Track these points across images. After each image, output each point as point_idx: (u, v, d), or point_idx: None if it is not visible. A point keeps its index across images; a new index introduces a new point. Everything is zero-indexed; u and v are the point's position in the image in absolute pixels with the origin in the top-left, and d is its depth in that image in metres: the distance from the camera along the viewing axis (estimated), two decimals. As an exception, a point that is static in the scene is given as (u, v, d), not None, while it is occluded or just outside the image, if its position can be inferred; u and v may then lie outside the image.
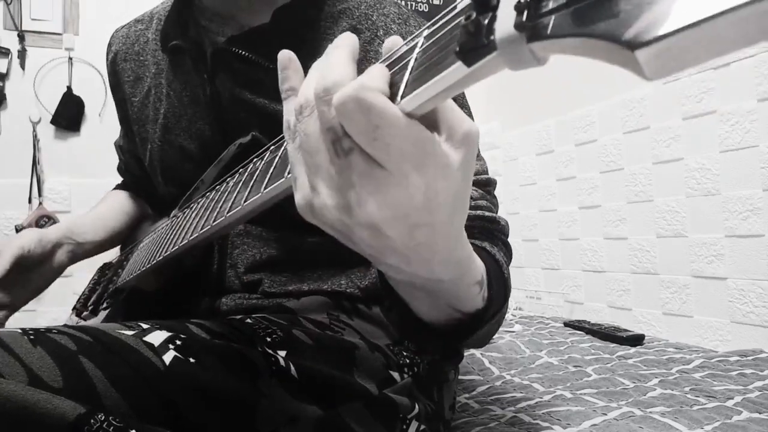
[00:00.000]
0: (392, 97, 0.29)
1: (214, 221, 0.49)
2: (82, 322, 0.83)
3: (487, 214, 0.58)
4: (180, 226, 0.63)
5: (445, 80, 0.26)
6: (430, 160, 0.30)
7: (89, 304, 0.87)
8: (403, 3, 2.50)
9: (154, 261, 0.66)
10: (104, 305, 0.81)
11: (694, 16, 0.17)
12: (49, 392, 0.37)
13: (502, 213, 0.63)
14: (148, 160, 0.81)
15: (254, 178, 0.45)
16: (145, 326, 0.47)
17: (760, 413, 0.81)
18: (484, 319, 0.47)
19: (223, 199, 0.51)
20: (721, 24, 0.16)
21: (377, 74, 0.30)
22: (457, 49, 0.25)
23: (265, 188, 0.40)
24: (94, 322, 0.81)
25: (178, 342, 0.46)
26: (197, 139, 0.74)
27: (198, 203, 0.61)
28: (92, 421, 0.37)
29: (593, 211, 1.86)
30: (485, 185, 0.62)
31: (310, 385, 0.51)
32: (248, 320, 0.56)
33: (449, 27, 0.28)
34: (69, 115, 2.01)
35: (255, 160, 0.49)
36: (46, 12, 2.00)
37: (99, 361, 0.41)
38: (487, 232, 0.58)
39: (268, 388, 0.48)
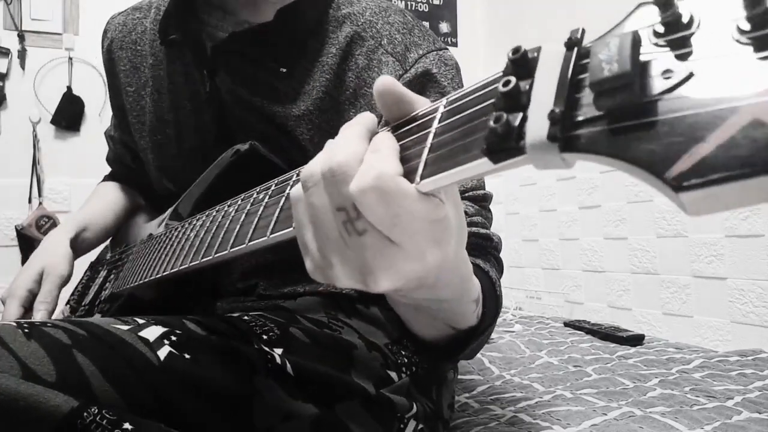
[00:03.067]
0: (408, 173, 0.29)
1: (216, 253, 0.49)
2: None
3: (481, 231, 0.58)
4: (179, 244, 0.62)
5: (469, 171, 0.26)
6: (445, 234, 0.31)
7: (84, 303, 0.86)
8: (404, 5, 2.50)
9: (152, 278, 0.66)
10: (100, 308, 0.81)
11: (740, 166, 0.18)
12: (43, 386, 0.37)
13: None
14: (144, 152, 0.80)
15: (259, 214, 0.44)
16: (140, 321, 0.47)
17: (760, 413, 0.81)
18: (476, 335, 0.48)
19: (225, 229, 0.50)
20: (759, 183, 0.18)
21: (390, 155, 0.30)
22: (485, 146, 0.25)
23: (271, 233, 0.40)
24: None
25: (174, 338, 0.46)
26: (195, 134, 0.74)
27: (197, 222, 0.60)
28: (85, 414, 0.38)
29: (593, 211, 1.86)
30: (481, 200, 0.63)
31: (307, 384, 0.51)
32: (245, 317, 0.56)
33: (474, 109, 0.28)
34: (69, 115, 2.00)
35: (259, 190, 0.48)
36: (46, 12, 2.00)
37: (93, 355, 0.41)
38: (481, 248, 0.59)
39: (264, 386, 0.48)
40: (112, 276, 0.85)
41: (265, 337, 0.53)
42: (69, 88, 2.01)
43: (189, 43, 0.72)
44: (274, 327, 0.55)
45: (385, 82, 0.32)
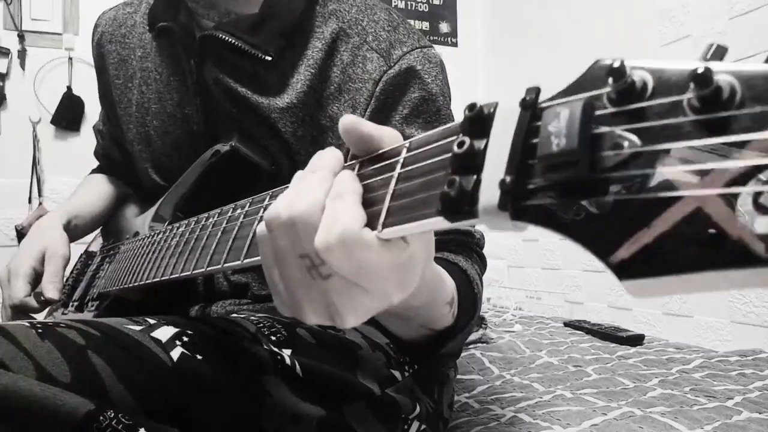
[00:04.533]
0: (371, 218, 0.30)
1: (194, 269, 0.50)
2: (69, 314, 0.83)
3: (462, 227, 0.58)
4: (161, 252, 0.62)
5: (428, 226, 0.27)
6: (411, 274, 0.31)
7: (75, 297, 0.86)
8: (404, 5, 2.50)
9: (135, 284, 0.66)
10: (89, 306, 0.81)
11: (681, 260, 0.18)
12: (58, 387, 0.37)
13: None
14: (131, 144, 0.80)
15: (234, 234, 0.45)
16: (152, 321, 0.47)
17: (760, 413, 0.81)
18: (453, 335, 0.49)
19: (203, 244, 0.50)
20: (702, 277, 0.18)
21: (353, 203, 0.30)
22: (440, 207, 0.26)
23: (244, 258, 0.41)
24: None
25: (185, 338, 0.46)
26: (180, 125, 0.74)
27: (178, 231, 0.60)
28: (101, 418, 0.37)
29: (593, 211, 1.86)
30: None
31: (315, 385, 0.51)
32: (252, 318, 0.56)
33: (434, 161, 0.28)
34: (69, 115, 2.01)
35: (236, 206, 0.49)
36: (46, 12, 2.00)
37: (107, 356, 0.41)
38: (463, 245, 0.59)
39: (274, 387, 0.48)
40: (101, 272, 0.85)
41: (273, 338, 0.53)
42: (69, 88, 2.01)
43: (178, 32, 0.71)
44: (282, 328, 0.55)
45: (349, 121, 0.33)
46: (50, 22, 2.01)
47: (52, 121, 2.00)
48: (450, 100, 0.69)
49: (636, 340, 1.37)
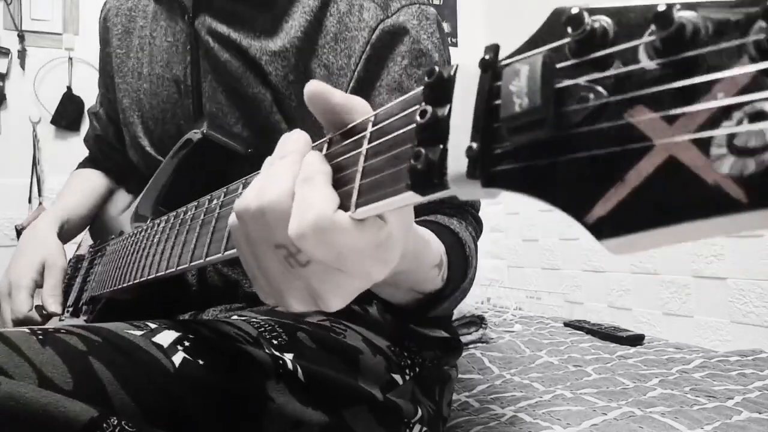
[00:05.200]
0: (343, 198, 0.29)
1: (178, 265, 0.50)
2: (65, 320, 0.83)
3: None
4: (144, 250, 0.62)
5: (400, 202, 0.26)
6: (390, 252, 0.31)
7: (68, 303, 0.85)
8: None
9: (123, 285, 0.65)
10: (83, 310, 0.81)
11: (656, 213, 0.17)
12: (60, 394, 0.37)
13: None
14: (125, 113, 0.80)
15: (212, 226, 0.44)
16: (152, 326, 0.47)
17: (760, 413, 0.81)
18: (443, 296, 0.49)
19: (183, 239, 0.50)
20: (683, 228, 0.17)
21: (323, 185, 0.29)
22: (409, 182, 0.25)
23: (225, 250, 0.40)
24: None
25: (187, 343, 0.45)
26: (168, 86, 0.74)
27: (159, 227, 0.60)
28: (105, 425, 0.37)
29: (593, 211, 1.86)
30: None
31: (316, 389, 0.50)
32: (252, 321, 0.56)
33: (398, 133, 0.27)
34: (69, 115, 2.00)
35: (211, 197, 0.49)
36: (46, 12, 2.00)
37: (109, 362, 0.41)
38: (456, 207, 0.59)
39: (276, 392, 0.48)
40: (91, 275, 0.85)
41: (275, 342, 0.52)
42: (69, 88, 2.01)
43: None
44: (282, 332, 0.54)
45: (315, 88, 0.31)
46: (50, 22, 2.01)
47: (52, 121, 2.00)
48: (448, 60, 0.68)
49: (636, 340, 1.37)
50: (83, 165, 1.00)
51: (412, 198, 0.25)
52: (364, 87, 0.63)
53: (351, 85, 0.63)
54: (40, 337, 0.41)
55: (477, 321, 1.41)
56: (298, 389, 0.49)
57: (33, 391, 0.36)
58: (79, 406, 0.37)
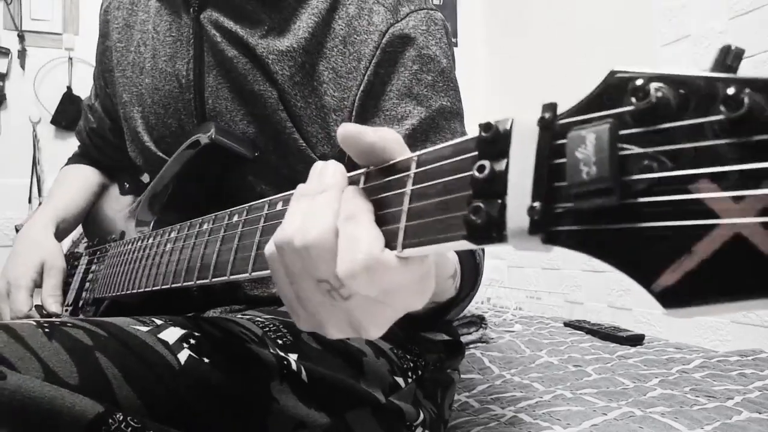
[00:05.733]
0: (388, 236, 0.29)
1: (197, 279, 0.49)
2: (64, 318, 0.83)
3: None
4: (155, 259, 0.61)
5: (450, 247, 0.27)
6: (428, 283, 0.31)
7: (67, 302, 0.85)
8: None
9: (133, 291, 0.65)
10: (84, 309, 0.80)
11: (724, 288, 0.18)
12: (66, 388, 0.37)
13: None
14: (125, 107, 0.79)
15: (236, 244, 0.44)
16: (158, 322, 0.47)
17: (760, 413, 0.81)
18: (455, 304, 0.50)
19: (202, 253, 0.49)
20: (747, 303, 0.18)
21: (368, 223, 0.29)
22: (466, 233, 0.25)
23: (252, 270, 0.40)
24: None
25: (192, 341, 0.45)
26: (171, 81, 0.73)
27: (171, 236, 0.59)
28: (110, 420, 0.37)
29: (593, 211, 1.86)
30: None
31: (320, 391, 0.50)
32: (257, 320, 0.55)
33: (449, 179, 0.27)
34: (69, 115, 2.00)
35: (231, 212, 0.48)
36: (46, 12, 2.00)
37: (115, 357, 0.41)
38: None
39: (280, 393, 0.47)
40: (90, 275, 0.84)
41: (280, 341, 0.52)
42: (69, 88, 2.01)
43: None
44: (287, 332, 0.54)
45: (348, 131, 0.31)
46: (50, 22, 2.01)
47: (52, 121, 2.00)
48: (454, 65, 0.68)
49: (636, 340, 1.36)
50: (73, 160, 0.99)
51: (465, 245, 0.26)
52: (375, 91, 0.63)
53: (361, 88, 0.63)
54: (47, 330, 0.40)
55: (477, 321, 1.41)
56: (302, 390, 0.49)
57: (40, 385, 0.36)
58: (85, 402, 0.37)
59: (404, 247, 0.28)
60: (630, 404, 0.85)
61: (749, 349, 1.25)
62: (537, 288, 2.13)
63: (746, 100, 0.18)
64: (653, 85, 0.20)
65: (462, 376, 1.07)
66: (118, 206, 0.88)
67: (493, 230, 0.24)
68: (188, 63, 0.71)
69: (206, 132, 0.66)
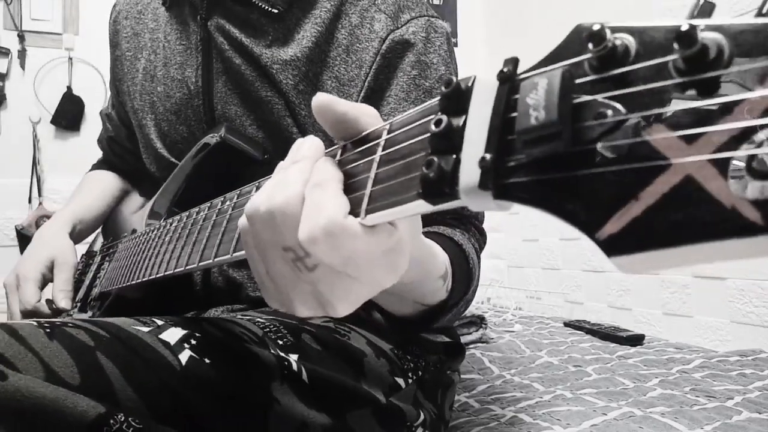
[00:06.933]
0: (354, 204, 0.29)
1: (187, 265, 0.50)
2: (73, 315, 0.83)
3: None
4: (156, 248, 0.62)
5: (410, 210, 0.26)
6: (400, 257, 0.31)
7: (77, 300, 0.86)
8: None
9: (134, 281, 0.66)
10: (91, 305, 0.81)
11: (670, 233, 0.17)
12: (67, 389, 0.37)
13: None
14: (137, 115, 0.80)
15: (223, 227, 0.44)
16: (159, 322, 0.47)
17: (760, 413, 0.81)
18: (447, 308, 0.49)
19: (194, 239, 0.50)
20: (695, 249, 0.17)
21: (334, 190, 0.29)
22: (420, 190, 0.25)
23: (233, 251, 0.40)
24: None
25: (193, 341, 0.45)
26: (181, 88, 0.74)
27: (171, 226, 0.61)
28: (112, 421, 0.37)
29: (593, 211, 1.86)
30: None
31: (320, 392, 0.50)
32: (258, 320, 0.55)
33: (412, 142, 0.27)
34: (69, 115, 2.00)
35: (224, 198, 0.49)
36: (46, 12, 2.00)
37: (116, 357, 0.41)
38: (460, 218, 0.59)
39: (281, 394, 0.47)
40: (101, 272, 0.85)
41: (280, 342, 0.52)
42: (69, 88, 2.01)
43: None
44: (287, 333, 0.54)
45: (321, 100, 0.32)
46: (50, 22, 2.00)
47: (52, 121, 2.00)
48: (455, 72, 0.68)
49: (636, 340, 1.36)
50: (97, 166, 1.01)
51: (422, 206, 0.25)
52: (374, 97, 0.64)
53: (361, 95, 0.64)
54: (48, 330, 0.40)
55: (477, 321, 1.41)
56: (302, 391, 0.49)
57: (41, 385, 0.36)
58: (86, 402, 0.37)
59: (367, 212, 0.28)
60: (630, 404, 0.85)
61: (749, 349, 1.25)
62: (537, 288, 2.13)
63: (700, 36, 0.17)
64: (610, 32, 0.19)
65: (462, 376, 1.07)
66: (134, 207, 0.89)
67: (445, 185, 0.24)
68: (197, 70, 0.72)
69: (217, 132, 0.67)
